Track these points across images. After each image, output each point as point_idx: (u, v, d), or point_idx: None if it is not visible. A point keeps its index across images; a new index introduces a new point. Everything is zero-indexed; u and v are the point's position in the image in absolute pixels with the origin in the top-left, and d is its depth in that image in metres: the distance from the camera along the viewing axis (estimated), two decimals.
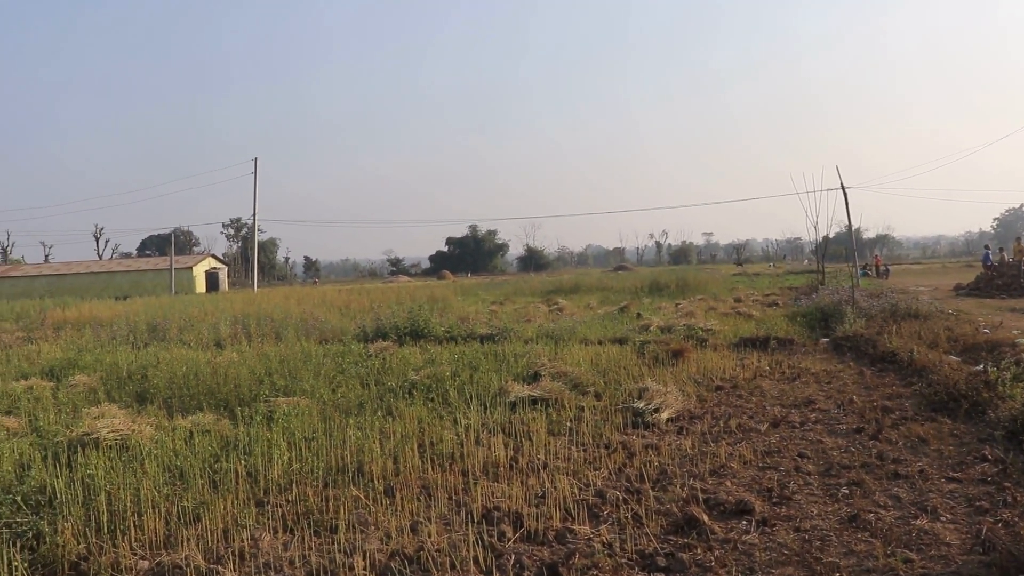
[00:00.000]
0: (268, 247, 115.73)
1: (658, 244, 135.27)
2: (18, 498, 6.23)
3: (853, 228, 35.61)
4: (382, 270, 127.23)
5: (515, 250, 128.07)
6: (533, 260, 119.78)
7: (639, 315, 21.99)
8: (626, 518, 5.79)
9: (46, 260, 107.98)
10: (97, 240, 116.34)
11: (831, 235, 36.73)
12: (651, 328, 17.50)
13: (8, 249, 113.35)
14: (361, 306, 27.66)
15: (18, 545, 5.35)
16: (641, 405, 9.33)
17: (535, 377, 11.44)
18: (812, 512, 5.90)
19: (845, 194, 38.28)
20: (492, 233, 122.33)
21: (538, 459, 7.38)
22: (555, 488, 6.35)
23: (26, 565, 5.03)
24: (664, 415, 9.10)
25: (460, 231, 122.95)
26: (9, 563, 4.96)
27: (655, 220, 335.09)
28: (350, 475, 6.96)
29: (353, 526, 5.74)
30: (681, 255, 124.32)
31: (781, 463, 7.23)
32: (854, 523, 5.59)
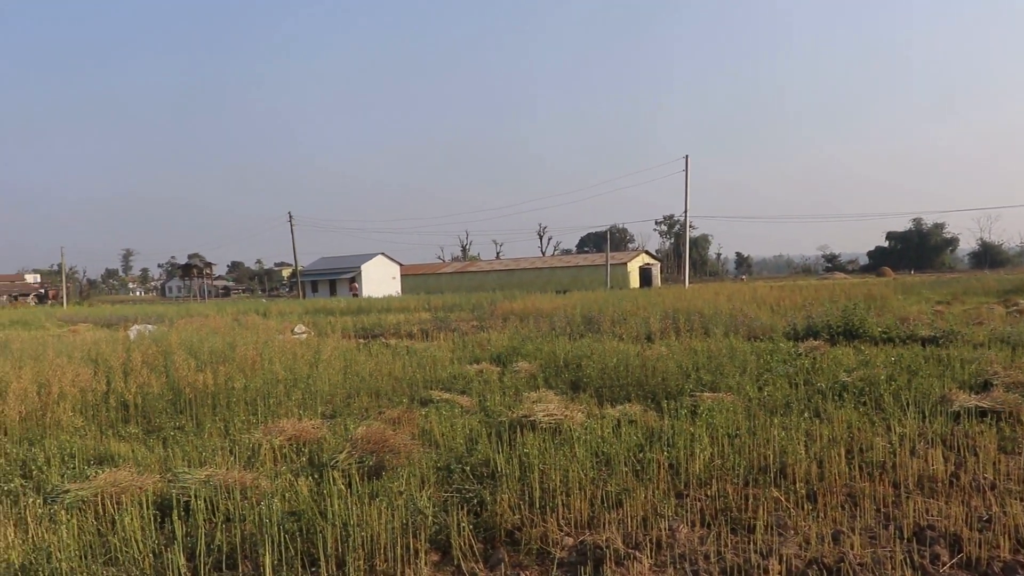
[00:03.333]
0: (700, 243, 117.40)
1: None
2: (467, 468, 7.03)
3: None
4: (816, 266, 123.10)
5: (966, 245, 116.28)
6: (988, 256, 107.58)
7: None
8: None
9: (497, 257, 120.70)
10: (541, 238, 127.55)
11: None
12: None
13: (467, 247, 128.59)
14: (792, 303, 26.89)
15: (465, 509, 5.98)
16: None
17: (985, 386, 10.21)
18: None
19: None
20: (939, 227, 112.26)
21: (984, 478, 6.53)
22: (1004, 513, 5.58)
23: (471, 528, 5.60)
24: None
25: (902, 225, 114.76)
26: (458, 524, 5.55)
27: None
28: (771, 476, 6.74)
29: (771, 528, 5.56)
30: None
31: None
32: None
